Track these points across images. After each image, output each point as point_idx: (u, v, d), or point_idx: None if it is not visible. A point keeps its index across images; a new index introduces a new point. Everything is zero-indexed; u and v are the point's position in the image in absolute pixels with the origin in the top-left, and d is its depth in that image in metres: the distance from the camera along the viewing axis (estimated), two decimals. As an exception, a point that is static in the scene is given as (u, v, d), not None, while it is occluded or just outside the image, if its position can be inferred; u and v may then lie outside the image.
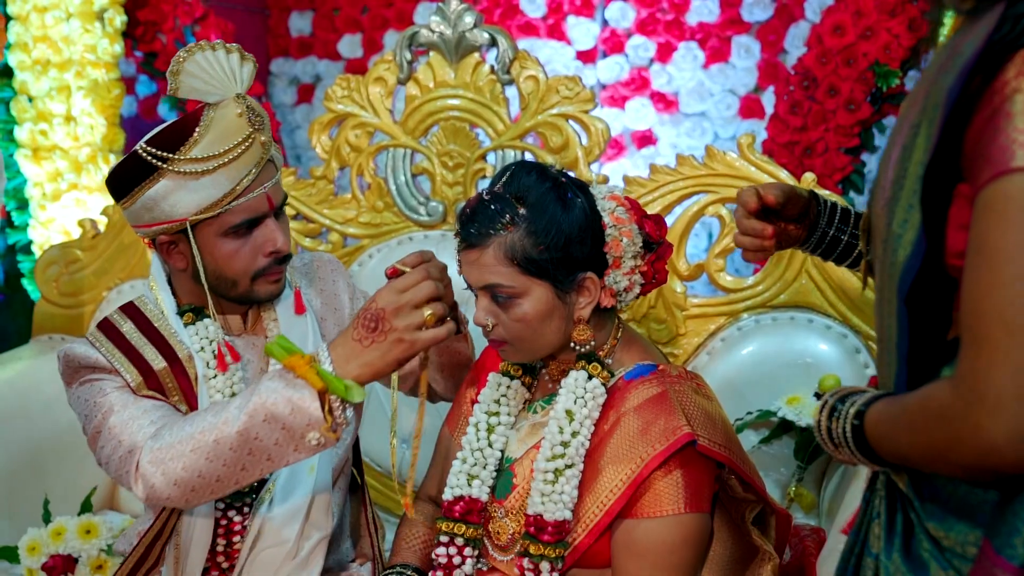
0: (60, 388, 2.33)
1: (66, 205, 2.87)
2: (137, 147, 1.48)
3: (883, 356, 1.02)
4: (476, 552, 1.54)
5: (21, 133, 2.86)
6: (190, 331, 1.59)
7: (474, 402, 1.62)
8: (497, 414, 1.56)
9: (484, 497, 1.54)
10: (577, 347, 1.48)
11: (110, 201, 2.68)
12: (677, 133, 3.58)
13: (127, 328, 1.59)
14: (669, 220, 2.23)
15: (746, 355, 2.14)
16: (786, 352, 2.11)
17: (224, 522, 1.58)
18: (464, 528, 1.53)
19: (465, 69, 2.34)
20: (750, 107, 3.52)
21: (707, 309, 2.19)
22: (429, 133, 2.38)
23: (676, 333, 2.19)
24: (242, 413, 1.36)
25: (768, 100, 3.46)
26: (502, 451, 1.56)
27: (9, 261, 3.12)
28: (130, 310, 1.62)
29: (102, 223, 2.58)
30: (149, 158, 1.47)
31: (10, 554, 1.98)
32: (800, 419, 1.98)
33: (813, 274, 2.12)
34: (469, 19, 2.31)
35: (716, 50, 3.53)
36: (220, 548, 1.59)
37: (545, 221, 1.41)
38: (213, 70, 1.46)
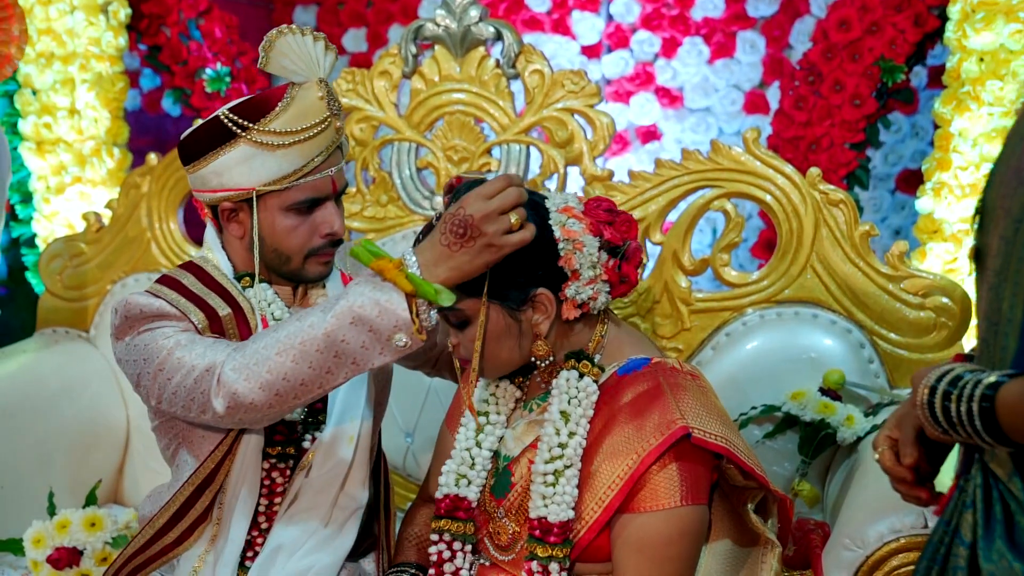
0: (64, 381, 2.39)
1: (70, 198, 2.86)
2: (219, 112, 1.54)
3: (994, 337, 1.01)
4: (468, 548, 1.55)
5: (25, 126, 2.85)
6: (248, 293, 1.62)
7: None
8: (486, 414, 1.56)
9: (472, 496, 1.54)
10: (538, 362, 1.49)
11: (114, 194, 2.68)
12: (682, 128, 3.57)
13: (189, 280, 1.62)
14: (674, 215, 2.24)
15: (751, 350, 2.14)
16: (791, 347, 2.11)
17: (267, 482, 1.61)
18: (450, 524, 1.54)
19: (470, 63, 2.33)
20: (755, 102, 3.51)
21: (712, 304, 2.19)
22: (434, 127, 2.38)
23: (681, 328, 2.18)
24: (328, 315, 1.39)
25: (773, 95, 3.44)
26: (493, 450, 1.56)
27: (13, 254, 3.11)
28: (190, 267, 1.65)
29: (106, 216, 2.58)
30: (230, 124, 1.52)
31: (15, 546, 1.98)
32: (805, 414, 1.98)
33: (818, 269, 2.11)
34: (474, 13, 2.30)
35: (721, 45, 3.52)
36: (262, 508, 1.61)
37: None
38: (301, 52, 1.52)
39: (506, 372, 1.53)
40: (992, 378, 0.98)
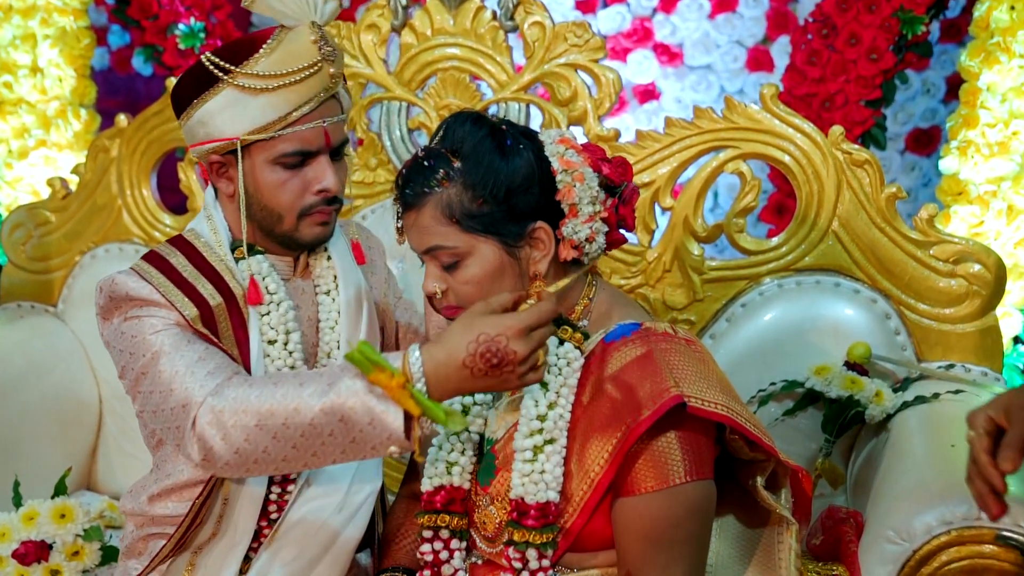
0: (30, 359, 2.30)
1: (34, 163, 2.76)
2: (202, 56, 1.49)
3: None
4: (464, 544, 1.47)
5: (-17, 86, 2.73)
6: (242, 266, 1.54)
7: None
8: (471, 394, 1.47)
9: (466, 484, 1.47)
10: None
11: (82, 158, 2.58)
12: (681, 87, 3.46)
13: (178, 261, 1.53)
14: (684, 177, 2.15)
15: (769, 321, 2.06)
16: (811, 318, 2.04)
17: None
18: (448, 519, 1.46)
19: (465, 15, 2.23)
20: (758, 59, 3.39)
21: (726, 273, 2.11)
22: (426, 85, 2.29)
23: (693, 298, 2.11)
24: (318, 404, 1.29)
25: (777, 51, 3.34)
26: (480, 434, 1.48)
27: (-26, 224, 2.98)
28: (179, 243, 1.56)
29: (73, 182, 2.50)
30: (212, 68, 1.47)
31: (-22, 541, 1.89)
32: (830, 390, 1.89)
33: (840, 235, 2.03)
34: (469, -40, 2.19)
35: (722, -1, 3.39)
36: (273, 497, 1.54)
37: (482, 172, 1.35)
38: None
39: None
40: None
